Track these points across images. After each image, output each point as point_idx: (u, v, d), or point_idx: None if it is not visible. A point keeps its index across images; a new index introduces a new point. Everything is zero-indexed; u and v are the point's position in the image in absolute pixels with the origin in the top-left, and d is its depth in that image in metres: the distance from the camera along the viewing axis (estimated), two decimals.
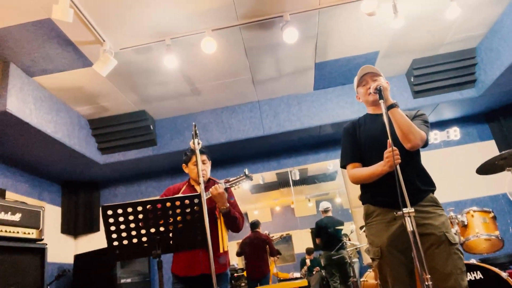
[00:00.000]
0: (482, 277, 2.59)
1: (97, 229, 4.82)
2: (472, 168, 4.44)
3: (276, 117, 4.35)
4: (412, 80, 4.17)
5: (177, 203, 2.05)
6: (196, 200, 2.05)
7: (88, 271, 4.01)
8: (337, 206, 9.79)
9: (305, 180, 7.10)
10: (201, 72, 3.72)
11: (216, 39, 3.04)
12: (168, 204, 2.02)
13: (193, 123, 2.28)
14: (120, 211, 1.97)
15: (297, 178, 6.43)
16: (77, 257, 4.23)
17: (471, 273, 2.61)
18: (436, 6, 3.22)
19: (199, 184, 2.79)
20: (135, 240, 2.03)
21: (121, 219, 1.99)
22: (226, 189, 2.59)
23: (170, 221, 2.06)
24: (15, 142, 3.49)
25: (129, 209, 1.98)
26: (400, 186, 1.85)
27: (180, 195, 2.53)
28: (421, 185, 2.08)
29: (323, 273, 8.44)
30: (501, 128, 4.55)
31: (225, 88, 4.06)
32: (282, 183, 6.54)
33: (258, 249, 6.19)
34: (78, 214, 4.76)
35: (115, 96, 3.86)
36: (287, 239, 11.65)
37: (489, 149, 4.61)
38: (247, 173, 2.58)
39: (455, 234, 2.96)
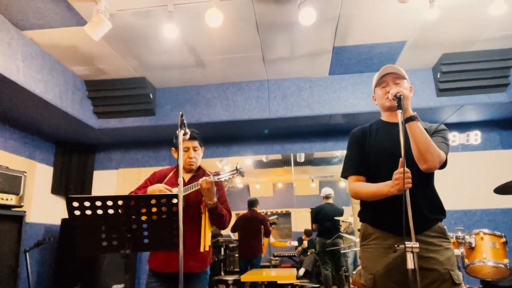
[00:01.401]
0: None
1: (89, 193, 4.70)
2: (488, 177, 4.16)
3: (284, 100, 4.04)
4: (438, 76, 3.78)
5: (153, 201, 1.84)
6: (174, 200, 1.82)
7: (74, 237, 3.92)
8: (341, 189, 9.61)
9: (311, 161, 6.87)
10: (207, 44, 3.39)
11: (224, 10, 2.70)
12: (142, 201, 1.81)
13: (181, 112, 2.01)
14: (87, 203, 1.77)
15: (302, 160, 6.20)
16: (65, 221, 4.13)
17: None
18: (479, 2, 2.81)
19: (187, 172, 2.58)
20: (103, 235, 1.85)
21: (88, 212, 1.79)
22: (216, 183, 2.35)
23: (144, 219, 1.85)
24: (2, 100, 3.27)
25: (98, 203, 1.77)
26: (406, 214, 1.60)
27: (162, 186, 2.31)
28: (429, 212, 1.82)
29: (316, 247, 8.40)
30: None
31: (232, 63, 3.74)
32: (286, 161, 6.32)
33: (252, 228, 6.06)
34: (70, 176, 4.62)
35: (113, 60, 3.57)
36: (286, 216, 11.62)
37: (511, 159, 4.27)
38: (239, 168, 2.33)
39: (461, 255, 2.72)
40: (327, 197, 6.56)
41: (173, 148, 2.59)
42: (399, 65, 3.77)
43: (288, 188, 10.46)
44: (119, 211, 1.80)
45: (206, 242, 2.31)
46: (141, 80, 3.94)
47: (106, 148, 4.81)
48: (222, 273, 6.63)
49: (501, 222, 4.07)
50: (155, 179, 2.55)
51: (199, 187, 2.31)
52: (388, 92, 1.91)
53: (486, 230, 2.73)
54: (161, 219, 1.87)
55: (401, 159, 1.65)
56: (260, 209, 11.28)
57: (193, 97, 4.15)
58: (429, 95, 3.90)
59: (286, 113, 4.00)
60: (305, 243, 9.48)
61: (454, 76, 3.74)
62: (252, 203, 6.52)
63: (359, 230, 2.01)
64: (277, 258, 9.94)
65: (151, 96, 4.06)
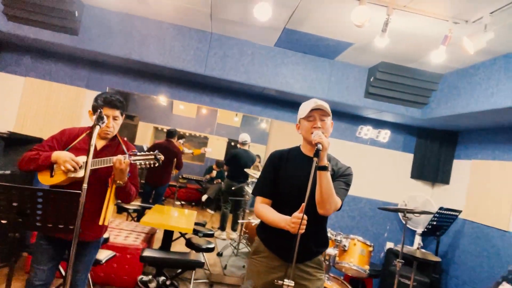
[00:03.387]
0: None
1: None
2: (381, 172, 4.74)
3: (223, 60, 3.88)
4: (371, 79, 3.95)
5: (53, 195, 1.77)
6: (81, 200, 1.77)
7: None
8: (262, 130, 9.99)
9: None
10: None
11: None
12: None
13: (99, 110, 1.85)
14: None
15: None
16: None
17: None
18: (431, 32, 2.89)
19: (101, 138, 2.47)
20: None
21: None
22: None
23: (40, 207, 1.79)
24: None
25: None
26: (294, 252, 1.81)
27: (69, 157, 2.17)
28: (315, 246, 2.09)
29: (222, 186, 8.92)
30: (424, 148, 4.73)
31: (179, 6, 3.40)
32: None
33: (165, 159, 6.10)
34: None
35: None
36: (204, 140, 11.79)
37: (405, 162, 4.84)
38: (157, 156, 2.30)
39: (334, 254, 3.18)
40: (243, 143, 6.79)
41: (90, 110, 2.42)
42: (341, 59, 3.85)
43: (211, 114, 10.50)
44: (13, 198, 1.71)
45: (107, 216, 2.32)
46: None
47: (14, 49, 4.21)
48: None
49: (379, 212, 4.72)
50: (63, 139, 2.39)
51: (111, 164, 2.25)
52: (314, 127, 2.01)
53: (360, 238, 3.19)
54: (59, 209, 1.83)
55: (303, 205, 1.81)
56: (179, 128, 11.30)
57: (127, 29, 3.75)
58: (359, 94, 4.08)
59: (222, 74, 3.88)
60: (214, 173, 9.93)
61: (384, 84, 3.94)
62: (171, 134, 6.48)
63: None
64: (184, 180, 10.31)
65: (76, 14, 3.55)
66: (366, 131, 4.72)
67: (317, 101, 2.04)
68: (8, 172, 3.66)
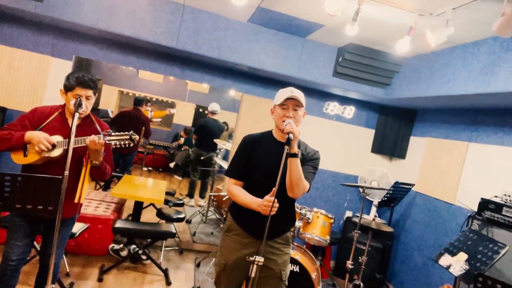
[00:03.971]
0: (298, 271, 3.16)
1: None
2: (346, 147, 5.03)
3: (196, 34, 3.85)
4: (340, 59, 4.09)
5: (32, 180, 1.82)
6: (63, 186, 1.83)
7: None
8: (231, 97, 9.98)
9: None
10: None
11: None
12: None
13: (78, 98, 1.87)
14: None
15: None
16: None
17: (293, 265, 3.14)
18: (398, 21, 3.04)
19: (73, 117, 2.47)
20: None
21: None
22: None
23: (19, 190, 1.84)
24: None
25: None
26: (264, 231, 1.99)
27: (42, 136, 2.19)
28: (283, 224, 2.28)
29: (190, 152, 9.00)
30: (385, 124, 5.03)
31: None
32: None
33: (132, 128, 6.05)
34: None
35: None
36: (171, 106, 11.61)
37: (367, 137, 5.13)
38: (132, 136, 2.35)
39: (299, 227, 3.43)
40: (212, 113, 6.85)
41: (62, 89, 2.40)
42: (312, 38, 3.94)
43: (179, 80, 10.29)
44: None
45: (82, 194, 2.39)
46: None
47: None
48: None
49: (342, 186, 5.03)
50: (35, 118, 2.39)
51: (86, 144, 2.29)
52: (286, 116, 2.15)
53: (323, 211, 3.46)
54: (39, 193, 1.89)
55: (274, 189, 1.98)
56: (145, 93, 11.02)
57: None
58: (327, 72, 4.22)
59: (194, 49, 3.86)
60: (182, 140, 9.92)
61: (351, 65, 4.10)
62: (139, 102, 6.40)
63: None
64: (151, 146, 10.24)
65: None
66: (333, 107, 4.92)
67: (294, 90, 2.16)
68: None
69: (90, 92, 2.39)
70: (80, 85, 2.34)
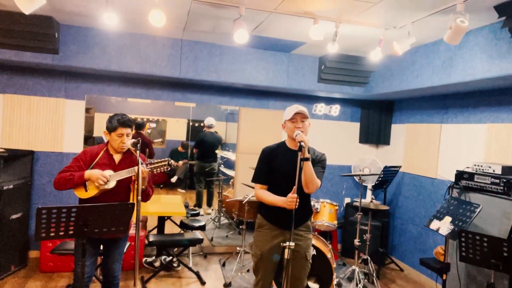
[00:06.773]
0: (315, 253, 3.71)
1: None
2: (336, 141, 5.60)
3: (195, 62, 4.37)
4: (322, 67, 4.68)
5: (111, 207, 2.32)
6: (138, 208, 2.33)
7: None
8: (216, 107, 10.39)
9: None
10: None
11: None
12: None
13: (136, 141, 2.38)
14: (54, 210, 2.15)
15: None
16: None
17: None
18: (369, 34, 3.64)
19: (117, 153, 2.95)
20: (61, 233, 2.26)
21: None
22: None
23: (98, 216, 2.33)
24: None
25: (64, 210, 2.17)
26: (292, 221, 2.53)
27: (99, 173, 2.68)
28: (303, 215, 2.83)
29: (194, 167, 9.46)
30: (368, 117, 5.65)
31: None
32: None
33: (140, 151, 6.52)
34: None
35: None
36: (162, 125, 12.00)
37: (353, 130, 5.74)
38: (169, 162, 2.86)
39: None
40: (209, 127, 7.37)
41: (105, 131, 2.89)
42: (296, 52, 4.50)
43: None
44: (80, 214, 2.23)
45: (133, 214, 2.89)
46: (46, 20, 3.65)
47: None
48: None
49: (336, 174, 5.64)
50: (87, 158, 2.86)
51: (134, 174, 2.79)
52: (296, 127, 2.70)
53: (328, 200, 4.04)
54: (115, 216, 2.39)
55: (294, 187, 2.52)
56: (135, 115, 11.43)
57: (103, 42, 4.08)
58: (313, 80, 4.81)
59: (195, 76, 4.38)
60: (182, 162, 10.38)
61: (333, 70, 4.69)
62: (140, 126, 6.90)
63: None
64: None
65: (56, 35, 3.83)
66: (320, 108, 5.51)
67: (299, 106, 2.72)
68: (11, 186, 3.98)
69: (129, 130, 2.89)
70: (121, 125, 2.83)
